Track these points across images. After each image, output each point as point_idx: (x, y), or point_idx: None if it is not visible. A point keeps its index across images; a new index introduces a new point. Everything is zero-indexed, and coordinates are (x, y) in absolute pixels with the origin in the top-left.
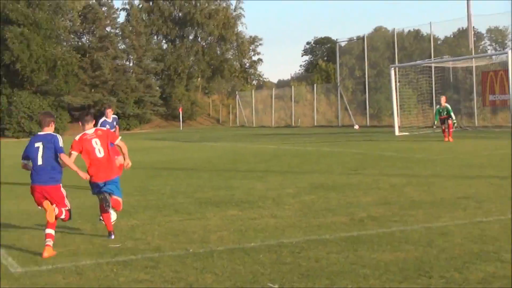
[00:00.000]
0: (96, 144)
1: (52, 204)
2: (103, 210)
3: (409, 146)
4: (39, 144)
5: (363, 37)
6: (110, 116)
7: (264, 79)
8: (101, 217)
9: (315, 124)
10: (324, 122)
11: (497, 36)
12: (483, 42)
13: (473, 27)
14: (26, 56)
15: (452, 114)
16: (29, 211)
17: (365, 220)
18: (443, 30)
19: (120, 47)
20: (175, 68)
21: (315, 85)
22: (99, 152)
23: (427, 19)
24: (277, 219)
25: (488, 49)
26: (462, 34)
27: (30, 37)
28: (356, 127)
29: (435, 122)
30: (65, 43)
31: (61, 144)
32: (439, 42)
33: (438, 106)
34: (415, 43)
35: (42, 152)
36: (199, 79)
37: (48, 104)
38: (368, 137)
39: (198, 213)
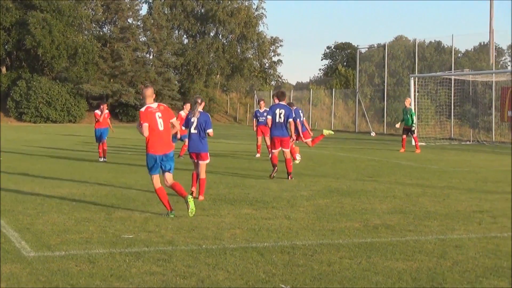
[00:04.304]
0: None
1: None
2: None
3: (425, 157)
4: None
5: (384, 45)
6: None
7: (283, 81)
8: None
9: (332, 128)
10: (341, 127)
11: None
12: (503, 58)
13: (495, 42)
14: (47, 42)
15: (412, 117)
16: (43, 196)
17: (379, 228)
18: (464, 43)
19: (141, 39)
20: (195, 63)
21: (333, 89)
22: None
23: (449, 32)
24: (291, 220)
25: (508, 65)
26: (483, 48)
27: (52, 23)
28: (373, 134)
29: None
30: (86, 32)
31: None
32: (459, 55)
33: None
34: (435, 54)
35: None
36: (218, 76)
37: (67, 91)
38: (385, 145)
39: (212, 209)
